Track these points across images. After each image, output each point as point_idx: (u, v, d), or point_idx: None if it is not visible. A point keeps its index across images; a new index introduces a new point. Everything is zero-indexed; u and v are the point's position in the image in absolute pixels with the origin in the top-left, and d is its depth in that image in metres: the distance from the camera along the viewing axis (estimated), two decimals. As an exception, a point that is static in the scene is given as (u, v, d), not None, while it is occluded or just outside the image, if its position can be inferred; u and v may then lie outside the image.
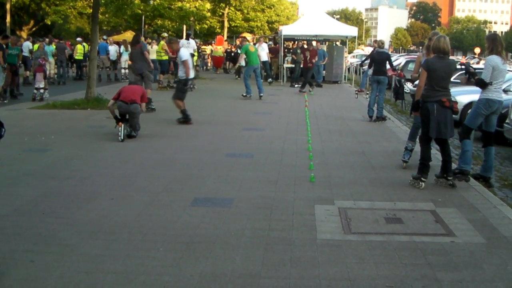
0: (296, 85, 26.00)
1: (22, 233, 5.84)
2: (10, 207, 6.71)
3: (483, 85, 8.68)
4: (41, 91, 18.84)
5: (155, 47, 25.94)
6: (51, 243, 5.57)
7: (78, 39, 32.04)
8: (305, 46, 26.00)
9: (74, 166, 9.03)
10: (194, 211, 6.76)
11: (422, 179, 8.10)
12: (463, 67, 9.25)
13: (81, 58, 29.71)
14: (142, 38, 22.06)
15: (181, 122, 13.97)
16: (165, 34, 39.11)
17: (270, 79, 27.47)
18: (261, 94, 20.59)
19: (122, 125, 11.33)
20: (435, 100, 8.00)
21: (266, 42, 32.87)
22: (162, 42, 25.81)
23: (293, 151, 10.62)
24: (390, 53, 30.66)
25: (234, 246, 5.60)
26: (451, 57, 8.56)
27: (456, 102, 8.48)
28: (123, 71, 28.63)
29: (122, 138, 11.24)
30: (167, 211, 6.73)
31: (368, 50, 49.84)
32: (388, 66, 15.66)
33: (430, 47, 8.59)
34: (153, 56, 25.95)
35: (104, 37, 31.34)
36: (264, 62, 27.76)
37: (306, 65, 23.99)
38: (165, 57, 25.00)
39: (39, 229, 5.96)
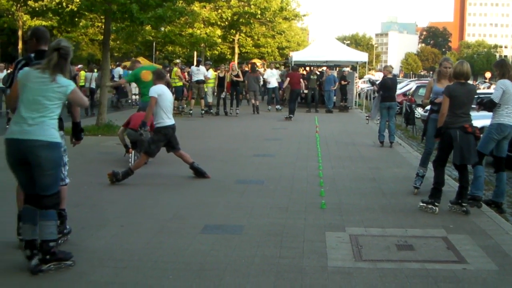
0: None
1: (32, 261, 5.83)
2: (20, 235, 6.70)
3: (491, 105, 8.66)
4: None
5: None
6: (61, 270, 5.55)
7: (79, 66, 31.91)
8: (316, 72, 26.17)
9: (84, 193, 9.03)
10: (204, 238, 6.74)
11: (436, 203, 8.03)
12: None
13: (83, 84, 29.15)
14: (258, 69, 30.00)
15: None
16: (178, 61, 39.40)
17: (278, 106, 27.34)
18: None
19: (133, 152, 11.34)
20: (458, 127, 7.95)
21: (277, 68, 32.88)
22: (176, 69, 25.93)
23: (304, 178, 10.59)
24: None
25: (245, 273, 5.57)
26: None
27: (478, 128, 8.38)
28: (133, 97, 28.54)
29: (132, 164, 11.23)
30: (177, 238, 6.71)
31: (379, 76, 49.90)
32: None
33: (451, 73, 8.49)
34: None
35: (118, 63, 31.47)
36: (273, 88, 27.84)
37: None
38: (179, 83, 25.07)
39: (49, 256, 5.94)
